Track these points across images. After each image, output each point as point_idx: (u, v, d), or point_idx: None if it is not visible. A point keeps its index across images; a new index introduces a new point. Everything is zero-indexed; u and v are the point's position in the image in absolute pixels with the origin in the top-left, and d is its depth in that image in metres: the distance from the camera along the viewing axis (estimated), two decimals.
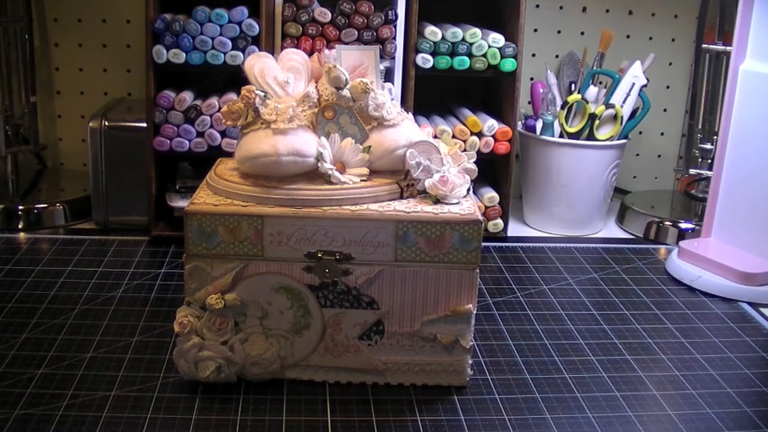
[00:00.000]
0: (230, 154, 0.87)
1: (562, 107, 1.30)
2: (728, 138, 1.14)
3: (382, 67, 1.12)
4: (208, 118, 1.17)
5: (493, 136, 1.24)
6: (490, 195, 1.27)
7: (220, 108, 1.16)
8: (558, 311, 1.03)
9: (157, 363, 0.86)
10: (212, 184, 0.83)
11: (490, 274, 1.14)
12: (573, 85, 1.40)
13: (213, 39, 1.14)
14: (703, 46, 1.40)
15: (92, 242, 1.20)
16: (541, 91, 1.37)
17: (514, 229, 1.34)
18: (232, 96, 1.18)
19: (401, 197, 0.82)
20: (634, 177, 1.58)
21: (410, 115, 0.87)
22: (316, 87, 0.84)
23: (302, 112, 0.81)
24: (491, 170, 1.32)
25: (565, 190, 1.30)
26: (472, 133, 1.24)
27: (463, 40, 1.20)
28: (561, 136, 1.31)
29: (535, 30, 1.47)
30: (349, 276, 0.79)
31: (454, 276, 0.80)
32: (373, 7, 1.15)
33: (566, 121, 1.30)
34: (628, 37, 1.49)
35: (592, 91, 1.33)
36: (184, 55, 1.14)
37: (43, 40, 1.41)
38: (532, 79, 1.45)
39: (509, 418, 0.78)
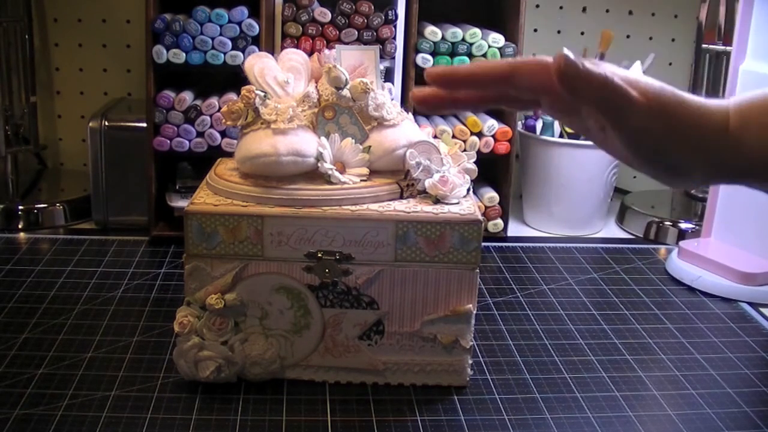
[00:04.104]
0: (230, 154, 0.87)
1: None
2: None
3: (382, 67, 1.12)
4: (208, 118, 1.17)
5: (493, 136, 1.24)
6: (490, 195, 1.27)
7: (220, 108, 1.16)
8: (558, 311, 1.03)
9: (157, 363, 0.86)
10: (212, 184, 0.83)
11: (490, 274, 1.14)
12: None
13: (213, 39, 1.14)
14: (703, 46, 1.40)
15: (92, 242, 1.20)
16: None
17: (514, 229, 1.34)
18: (232, 96, 1.18)
19: (401, 197, 0.82)
20: (634, 177, 1.58)
21: (410, 115, 0.87)
22: (316, 87, 0.84)
23: (302, 112, 0.81)
24: (491, 170, 1.32)
25: (565, 190, 1.30)
26: (472, 133, 1.24)
27: (463, 40, 1.20)
28: (561, 136, 1.31)
29: (535, 30, 1.47)
30: (349, 276, 0.79)
31: (454, 276, 0.80)
32: (373, 7, 1.15)
33: None
34: (628, 37, 1.49)
35: None
36: (184, 55, 1.14)
37: (43, 40, 1.41)
38: None
39: (509, 418, 0.78)
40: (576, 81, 0.49)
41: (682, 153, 0.52)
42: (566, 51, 0.50)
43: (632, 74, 0.51)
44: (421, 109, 0.58)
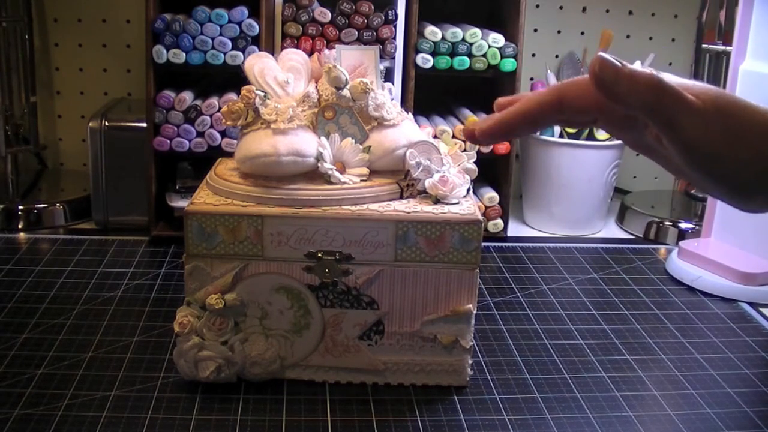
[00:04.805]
0: (230, 154, 0.87)
1: None
2: None
3: (382, 67, 1.12)
4: (208, 118, 1.17)
5: None
6: (490, 195, 1.27)
7: (220, 108, 1.16)
8: (558, 311, 1.03)
9: (157, 363, 0.86)
10: (212, 184, 0.83)
11: (490, 274, 1.14)
12: None
13: (213, 39, 1.14)
14: (703, 46, 1.40)
15: (92, 242, 1.20)
16: None
17: (514, 229, 1.34)
18: (232, 96, 1.18)
19: (401, 197, 0.82)
20: (634, 177, 1.58)
21: (410, 115, 0.87)
22: (316, 87, 0.84)
23: (302, 112, 0.81)
24: (491, 170, 1.32)
25: (565, 190, 1.30)
26: None
27: (463, 40, 1.20)
28: (561, 136, 1.31)
29: (535, 30, 1.47)
30: (349, 276, 0.79)
31: (454, 276, 0.80)
32: (373, 7, 1.15)
33: None
34: (628, 37, 1.49)
35: None
36: (184, 55, 1.14)
37: (43, 40, 1.41)
38: (532, 79, 1.45)
39: (509, 418, 0.78)
40: (617, 85, 0.44)
41: (745, 163, 0.45)
42: (602, 53, 0.46)
43: (684, 79, 0.46)
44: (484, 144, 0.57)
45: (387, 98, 0.84)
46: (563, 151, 1.29)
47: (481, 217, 0.79)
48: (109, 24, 1.40)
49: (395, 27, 1.17)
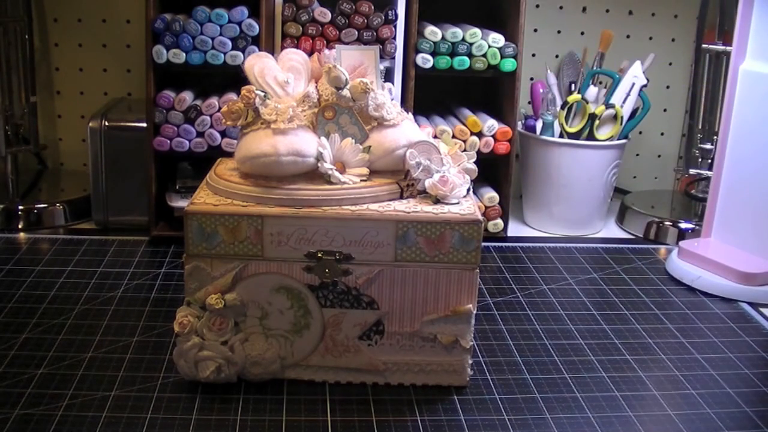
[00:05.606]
0: (230, 154, 0.87)
1: (562, 107, 1.30)
2: (728, 138, 1.15)
3: (382, 67, 1.12)
4: (208, 118, 1.17)
5: (493, 136, 1.24)
6: (490, 195, 1.27)
7: (220, 108, 1.16)
8: (558, 311, 1.03)
9: (157, 363, 0.86)
10: (212, 184, 0.83)
11: (490, 274, 1.14)
12: (573, 85, 1.40)
13: (213, 39, 1.14)
14: (703, 46, 1.40)
15: (92, 242, 1.20)
16: (541, 91, 1.37)
17: (514, 229, 1.34)
18: (232, 96, 1.18)
19: (401, 197, 0.82)
20: (634, 177, 1.58)
21: (410, 115, 0.87)
22: (316, 87, 0.84)
23: (302, 112, 0.81)
24: (491, 170, 1.32)
25: (565, 190, 1.30)
26: (472, 133, 1.24)
27: (463, 40, 1.20)
28: (561, 136, 1.31)
29: (535, 30, 1.47)
30: (349, 276, 0.79)
31: (454, 276, 0.80)
32: (373, 7, 1.15)
33: (566, 121, 1.30)
34: (628, 37, 1.49)
35: (592, 91, 1.33)
36: (184, 55, 1.14)
37: (43, 40, 1.41)
38: (532, 79, 1.45)
39: (509, 418, 0.78)
40: None
41: None
42: None
43: None
44: None
45: (387, 98, 0.84)
46: (563, 151, 1.29)
47: (481, 217, 0.79)
48: (109, 24, 1.40)
49: (395, 27, 1.17)
